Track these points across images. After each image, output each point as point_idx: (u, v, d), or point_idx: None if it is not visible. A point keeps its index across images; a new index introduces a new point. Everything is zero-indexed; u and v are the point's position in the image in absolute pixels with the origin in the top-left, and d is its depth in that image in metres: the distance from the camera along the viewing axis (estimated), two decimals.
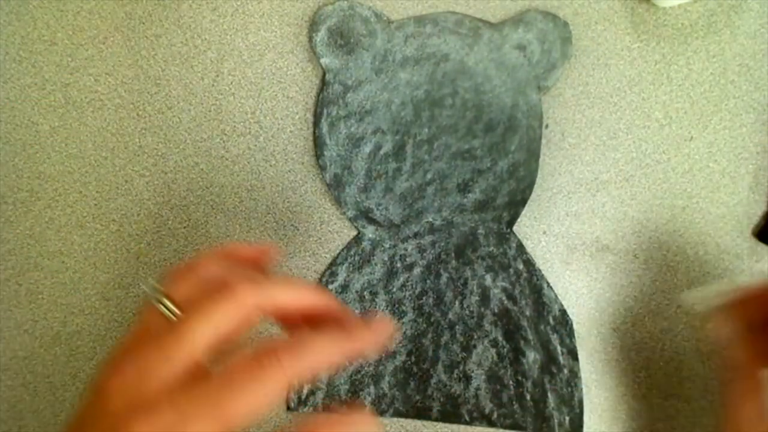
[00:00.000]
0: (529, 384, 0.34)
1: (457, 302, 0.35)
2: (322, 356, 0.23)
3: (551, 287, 0.35)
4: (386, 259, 0.35)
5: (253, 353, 0.22)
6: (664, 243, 0.36)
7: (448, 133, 0.35)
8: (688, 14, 0.36)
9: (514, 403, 0.34)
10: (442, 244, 0.35)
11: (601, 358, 0.35)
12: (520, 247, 0.35)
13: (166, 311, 0.23)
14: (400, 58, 0.35)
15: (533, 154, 0.35)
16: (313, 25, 0.36)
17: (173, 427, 0.20)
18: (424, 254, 0.35)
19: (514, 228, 0.36)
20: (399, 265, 0.35)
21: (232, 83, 0.37)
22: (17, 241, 0.36)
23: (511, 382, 0.34)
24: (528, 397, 0.34)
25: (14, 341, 0.36)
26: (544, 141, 0.36)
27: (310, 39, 0.36)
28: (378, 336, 0.25)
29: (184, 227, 0.36)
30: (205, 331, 0.22)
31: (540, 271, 0.35)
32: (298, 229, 0.36)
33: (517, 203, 0.35)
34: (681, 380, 0.36)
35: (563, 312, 0.35)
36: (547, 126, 0.36)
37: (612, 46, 0.36)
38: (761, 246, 0.36)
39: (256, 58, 0.37)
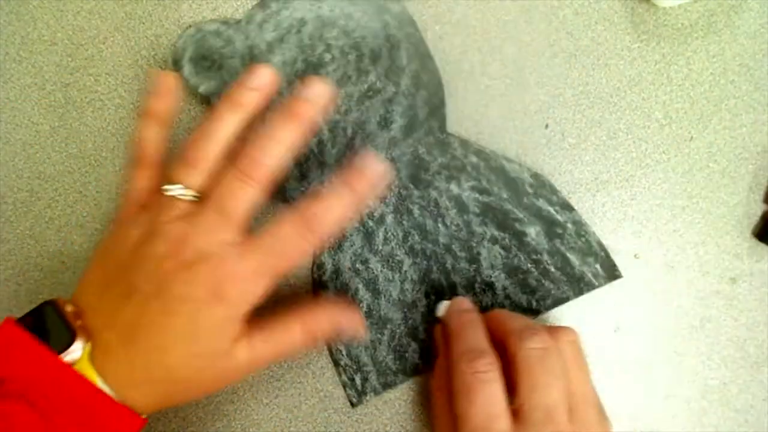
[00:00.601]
0: (545, 257, 0.35)
1: (440, 225, 0.35)
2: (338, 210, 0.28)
3: (511, 159, 0.35)
4: (356, 226, 0.35)
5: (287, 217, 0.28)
6: (664, 243, 0.36)
7: (343, 85, 0.35)
8: (688, 14, 0.36)
9: (543, 281, 0.35)
10: (396, 182, 0.35)
11: (602, 358, 0.35)
12: (464, 143, 0.35)
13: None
14: (264, 47, 0.35)
15: (424, 55, 0.36)
16: (176, 63, 0.35)
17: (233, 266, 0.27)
18: (386, 201, 0.35)
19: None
20: (371, 223, 0.35)
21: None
22: (17, 241, 0.36)
23: (529, 265, 0.35)
24: (552, 269, 0.35)
25: None
26: (544, 141, 0.36)
27: (179, 76, 0.35)
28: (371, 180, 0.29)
29: None
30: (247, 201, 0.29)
31: (494, 152, 0.35)
32: None
33: (437, 107, 0.36)
34: (681, 380, 0.36)
35: (536, 175, 0.35)
36: (547, 126, 0.36)
37: (612, 46, 0.36)
38: (761, 246, 0.36)
39: None
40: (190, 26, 0.35)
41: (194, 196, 0.29)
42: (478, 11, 0.37)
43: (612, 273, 0.35)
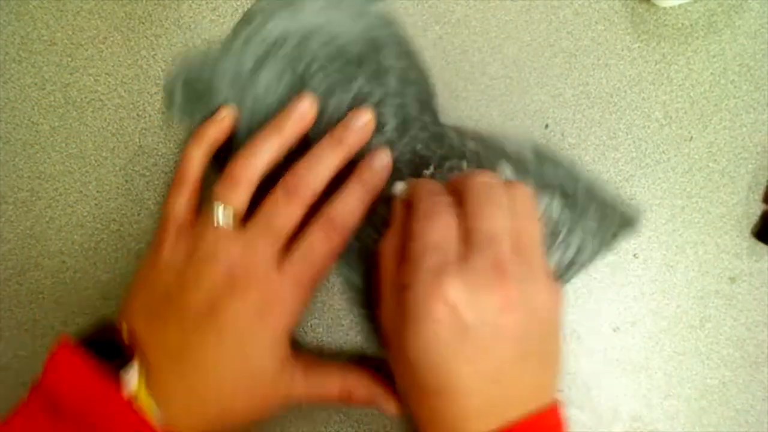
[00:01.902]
0: (561, 227, 0.35)
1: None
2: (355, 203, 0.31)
3: (509, 138, 0.35)
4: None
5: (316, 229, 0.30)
6: (664, 243, 0.36)
7: (332, 94, 0.35)
8: (688, 14, 0.36)
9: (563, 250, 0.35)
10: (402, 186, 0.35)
11: (601, 358, 0.35)
12: (459, 131, 0.35)
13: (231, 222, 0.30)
14: (251, 65, 0.35)
15: (409, 51, 0.36)
16: (168, 95, 0.36)
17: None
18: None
19: None
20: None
21: None
22: (17, 241, 0.36)
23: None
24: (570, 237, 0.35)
25: (14, 341, 0.36)
26: (544, 141, 0.36)
27: (170, 111, 0.36)
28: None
29: None
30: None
31: (491, 134, 0.35)
32: None
33: (427, 101, 0.36)
34: (681, 380, 0.36)
35: (537, 149, 0.35)
36: (547, 126, 0.36)
37: (612, 46, 0.36)
38: (761, 246, 0.36)
39: None
40: (178, 56, 0.36)
41: (237, 216, 0.30)
42: (478, 11, 0.37)
43: (632, 221, 0.35)
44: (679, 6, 0.36)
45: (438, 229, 0.27)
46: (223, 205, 0.29)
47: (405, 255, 0.27)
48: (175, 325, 0.28)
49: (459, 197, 0.28)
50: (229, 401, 0.28)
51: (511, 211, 0.27)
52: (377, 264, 0.31)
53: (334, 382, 0.31)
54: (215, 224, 0.29)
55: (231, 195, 0.30)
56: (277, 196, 0.30)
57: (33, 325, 0.36)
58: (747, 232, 0.36)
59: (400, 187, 0.32)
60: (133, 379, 0.27)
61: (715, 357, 0.36)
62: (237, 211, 0.30)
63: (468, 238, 0.26)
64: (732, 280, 0.36)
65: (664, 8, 0.36)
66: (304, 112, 0.32)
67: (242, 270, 0.28)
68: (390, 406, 0.32)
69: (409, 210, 0.29)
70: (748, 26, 0.36)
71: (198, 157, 0.32)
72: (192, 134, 0.33)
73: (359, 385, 0.32)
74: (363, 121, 0.32)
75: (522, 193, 0.29)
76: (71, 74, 0.37)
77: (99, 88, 0.37)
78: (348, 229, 0.31)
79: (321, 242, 0.30)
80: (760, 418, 0.35)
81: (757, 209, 0.36)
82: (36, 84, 0.37)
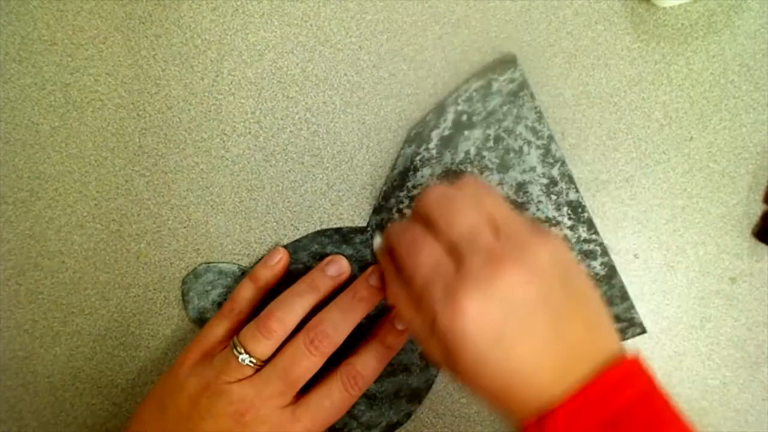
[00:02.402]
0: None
1: None
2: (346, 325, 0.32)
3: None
4: None
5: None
6: (664, 243, 0.36)
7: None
8: (688, 14, 0.36)
9: None
10: None
11: None
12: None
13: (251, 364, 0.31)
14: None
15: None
16: (184, 296, 0.36)
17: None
18: None
19: None
20: None
21: (232, 83, 0.37)
22: (17, 241, 0.36)
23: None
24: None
25: (14, 341, 0.36)
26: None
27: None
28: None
29: (184, 227, 0.36)
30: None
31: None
32: (298, 230, 0.36)
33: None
34: (681, 380, 0.36)
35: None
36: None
37: (612, 46, 0.36)
38: (761, 246, 0.36)
39: (256, 58, 0.37)
40: (200, 265, 0.36)
41: (258, 364, 0.31)
42: (478, 11, 0.37)
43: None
44: (679, 6, 0.36)
45: (426, 259, 0.27)
46: (248, 355, 0.31)
47: (413, 297, 0.28)
48: None
49: (425, 219, 0.29)
50: None
51: (474, 202, 0.28)
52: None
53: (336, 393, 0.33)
54: (235, 366, 0.31)
55: (257, 345, 0.31)
56: (298, 346, 0.31)
57: (33, 325, 0.36)
58: (747, 232, 0.36)
59: (377, 241, 0.33)
60: None
61: (715, 357, 0.36)
62: (259, 359, 0.31)
63: (454, 249, 0.27)
64: (732, 280, 0.36)
65: (664, 8, 0.36)
66: (337, 271, 0.34)
67: (253, 414, 0.30)
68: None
69: (394, 256, 0.30)
70: (747, 26, 0.36)
71: (248, 296, 0.34)
72: (248, 274, 0.35)
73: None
74: (377, 277, 0.33)
75: (469, 182, 0.29)
76: (71, 74, 0.37)
77: (99, 88, 0.37)
78: (367, 385, 0.32)
79: (340, 393, 0.32)
80: (760, 418, 0.35)
81: (757, 209, 0.36)
82: (36, 84, 0.37)
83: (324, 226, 0.36)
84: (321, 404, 0.31)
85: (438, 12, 0.37)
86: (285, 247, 0.36)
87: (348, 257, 0.35)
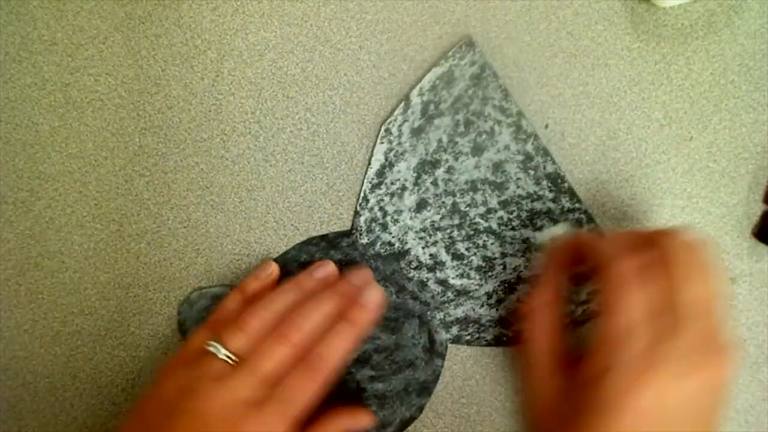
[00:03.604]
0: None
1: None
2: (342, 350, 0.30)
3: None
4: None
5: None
6: None
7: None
8: (688, 14, 0.36)
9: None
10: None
11: None
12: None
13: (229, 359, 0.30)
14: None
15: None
16: (181, 326, 0.36)
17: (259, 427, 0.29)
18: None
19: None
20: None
21: (232, 83, 0.37)
22: (17, 241, 0.36)
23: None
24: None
25: (14, 341, 0.36)
26: (544, 141, 0.36)
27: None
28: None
29: (184, 227, 0.36)
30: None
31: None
32: (298, 230, 0.36)
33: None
34: None
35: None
36: (547, 126, 0.36)
37: (612, 46, 0.36)
38: (761, 246, 0.36)
39: (256, 58, 0.37)
40: (192, 293, 0.36)
41: (230, 358, 0.30)
42: (478, 11, 0.37)
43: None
44: (679, 6, 0.36)
45: (642, 302, 0.24)
46: (220, 346, 0.30)
47: (600, 334, 0.25)
48: None
49: (655, 255, 0.26)
50: None
51: (709, 275, 0.26)
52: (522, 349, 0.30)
53: None
54: (207, 362, 0.30)
55: (231, 337, 0.31)
56: (269, 338, 0.31)
57: (33, 326, 0.36)
58: (747, 232, 0.36)
59: (558, 230, 0.32)
60: None
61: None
62: (234, 354, 0.30)
63: (675, 309, 0.24)
64: (732, 280, 0.36)
65: (664, 8, 0.36)
66: (324, 274, 0.34)
67: (219, 408, 0.29)
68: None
69: (558, 265, 0.28)
70: (747, 26, 0.36)
71: (234, 308, 0.33)
72: (237, 285, 0.34)
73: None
74: (374, 298, 0.32)
75: (703, 248, 0.27)
76: (71, 74, 0.37)
77: (99, 88, 0.37)
78: (331, 369, 0.31)
79: (301, 386, 0.30)
80: (760, 418, 0.35)
81: (757, 209, 0.36)
82: (36, 84, 0.37)
83: (324, 227, 0.36)
84: (283, 397, 0.30)
85: (438, 12, 0.37)
86: (274, 260, 0.36)
87: (337, 262, 0.35)
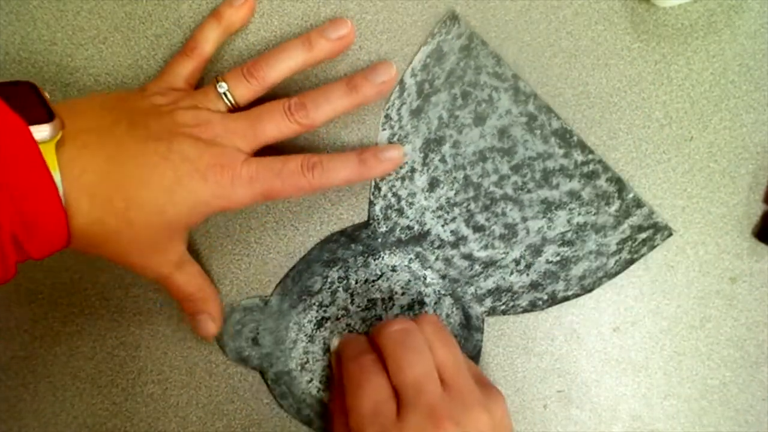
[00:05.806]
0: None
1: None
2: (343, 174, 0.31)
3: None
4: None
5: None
6: (664, 243, 0.36)
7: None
8: (688, 14, 0.36)
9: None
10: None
11: (601, 358, 0.35)
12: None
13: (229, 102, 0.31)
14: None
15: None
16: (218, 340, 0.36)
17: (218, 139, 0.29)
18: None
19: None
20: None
21: None
22: None
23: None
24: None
25: (14, 341, 0.36)
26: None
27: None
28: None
29: None
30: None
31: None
32: (297, 230, 0.36)
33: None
34: (681, 380, 0.36)
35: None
36: None
37: (612, 46, 0.36)
38: (761, 246, 0.36)
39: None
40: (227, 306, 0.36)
41: (233, 103, 0.31)
42: (479, 11, 0.37)
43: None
44: (679, 6, 0.36)
45: (370, 396, 0.28)
46: (227, 88, 0.31)
47: (349, 423, 0.28)
48: (127, 129, 0.28)
49: (380, 350, 0.30)
50: (129, 218, 0.28)
51: (426, 348, 0.29)
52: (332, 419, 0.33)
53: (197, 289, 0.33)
54: (213, 100, 0.31)
55: (238, 84, 0.31)
56: (278, 103, 0.31)
57: (32, 325, 0.36)
58: (747, 232, 0.36)
59: (334, 343, 0.34)
60: (43, 133, 0.25)
61: (715, 357, 0.36)
62: (237, 101, 0.31)
63: (399, 393, 0.28)
64: (732, 280, 0.36)
65: (664, 8, 0.36)
66: (338, 34, 0.33)
67: (211, 135, 0.29)
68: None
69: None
70: (747, 26, 0.36)
71: (210, 36, 0.33)
72: (211, 13, 0.34)
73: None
74: (380, 73, 0.33)
75: (429, 322, 0.30)
76: (71, 74, 0.37)
77: (99, 88, 0.37)
78: (324, 186, 0.31)
79: (295, 174, 0.30)
80: (760, 418, 0.35)
81: (757, 209, 0.36)
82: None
83: (324, 226, 0.36)
84: (275, 169, 0.30)
85: (438, 12, 0.37)
86: (296, 265, 0.36)
87: (359, 254, 0.35)
